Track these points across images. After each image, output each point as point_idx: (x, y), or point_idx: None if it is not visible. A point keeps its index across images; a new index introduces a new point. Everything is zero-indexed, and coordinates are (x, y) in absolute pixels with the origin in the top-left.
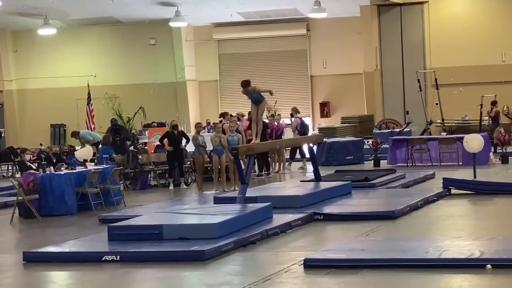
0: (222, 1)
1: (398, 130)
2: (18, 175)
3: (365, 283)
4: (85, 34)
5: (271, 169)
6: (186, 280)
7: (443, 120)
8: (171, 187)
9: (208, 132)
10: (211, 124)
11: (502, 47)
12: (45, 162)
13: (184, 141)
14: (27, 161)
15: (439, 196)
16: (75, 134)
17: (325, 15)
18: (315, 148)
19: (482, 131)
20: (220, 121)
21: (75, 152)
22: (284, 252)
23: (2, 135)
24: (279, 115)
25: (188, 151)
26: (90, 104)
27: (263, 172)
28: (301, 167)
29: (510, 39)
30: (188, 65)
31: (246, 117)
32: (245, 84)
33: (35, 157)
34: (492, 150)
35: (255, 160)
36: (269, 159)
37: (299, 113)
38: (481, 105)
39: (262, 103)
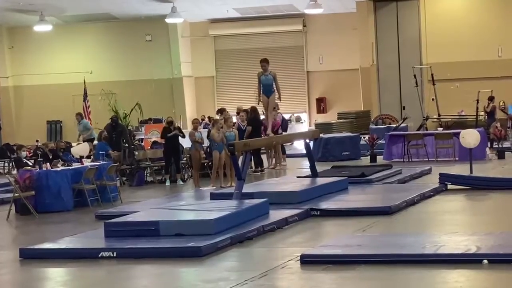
0: None
1: (394, 125)
2: (14, 172)
3: (362, 279)
4: (81, 31)
5: (266, 165)
6: (182, 276)
7: (439, 115)
8: (168, 183)
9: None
10: (206, 120)
11: (498, 42)
12: (41, 159)
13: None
14: (24, 158)
15: (435, 192)
16: (79, 115)
17: (321, 11)
18: (311, 143)
19: (478, 126)
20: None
21: (72, 149)
22: (281, 248)
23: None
24: (274, 109)
25: (184, 147)
26: (86, 101)
27: (258, 169)
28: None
29: (506, 34)
30: (184, 61)
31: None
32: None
33: (31, 154)
34: (489, 145)
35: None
36: (261, 155)
37: (279, 109)
38: (478, 100)
39: (272, 95)
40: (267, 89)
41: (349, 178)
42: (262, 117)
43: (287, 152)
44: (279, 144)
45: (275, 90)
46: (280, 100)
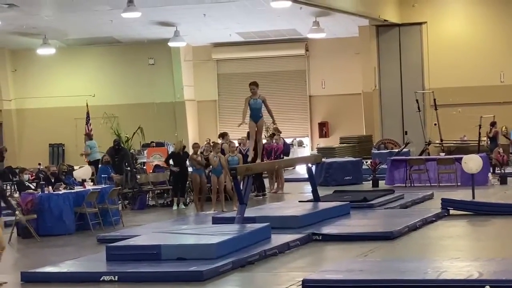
0: (221, 21)
1: (396, 150)
2: (16, 195)
3: None
4: (84, 54)
5: (268, 190)
6: None
7: (441, 140)
8: (175, 207)
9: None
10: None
11: (500, 68)
12: (43, 182)
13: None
14: (26, 181)
15: (437, 217)
16: (87, 135)
17: (324, 35)
18: (313, 168)
19: (480, 152)
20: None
21: (74, 172)
22: (282, 272)
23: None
24: (273, 133)
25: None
26: (88, 124)
27: (260, 193)
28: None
29: (508, 59)
30: (186, 85)
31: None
32: (256, 83)
33: (33, 177)
34: (491, 170)
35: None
36: (263, 179)
37: (280, 132)
38: (480, 125)
39: (261, 120)
40: (255, 113)
41: (351, 202)
42: (264, 141)
43: (289, 176)
44: (281, 169)
45: (262, 115)
46: (274, 124)
